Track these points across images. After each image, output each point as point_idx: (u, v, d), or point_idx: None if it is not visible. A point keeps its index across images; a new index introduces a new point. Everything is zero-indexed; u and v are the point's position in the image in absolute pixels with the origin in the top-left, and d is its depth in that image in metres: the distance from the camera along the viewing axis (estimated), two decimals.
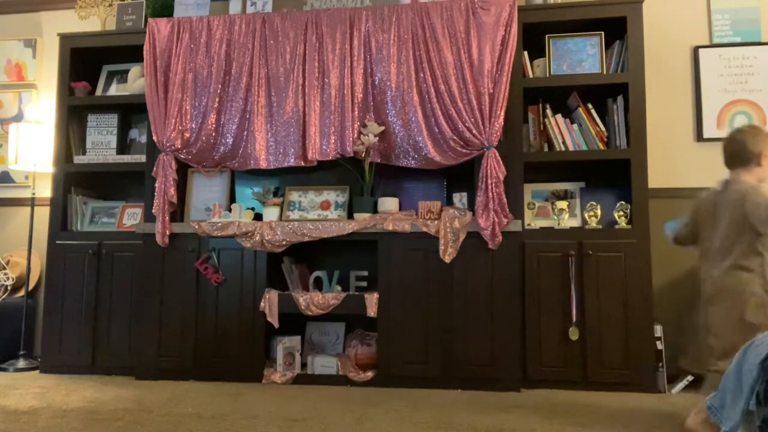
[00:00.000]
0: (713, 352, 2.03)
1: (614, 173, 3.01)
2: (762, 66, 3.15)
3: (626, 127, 2.88)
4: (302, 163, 3.01)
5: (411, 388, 2.75)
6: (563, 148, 2.95)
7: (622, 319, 2.74)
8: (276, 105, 3.03)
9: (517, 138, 2.89)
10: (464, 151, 2.85)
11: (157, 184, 3.02)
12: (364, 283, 3.07)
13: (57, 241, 3.19)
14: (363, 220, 2.86)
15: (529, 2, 3.12)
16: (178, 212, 3.12)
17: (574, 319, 2.75)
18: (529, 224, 2.96)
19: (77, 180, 3.36)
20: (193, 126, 3.06)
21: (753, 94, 3.15)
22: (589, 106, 2.97)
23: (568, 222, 3.03)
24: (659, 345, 2.75)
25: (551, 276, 2.81)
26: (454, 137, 2.85)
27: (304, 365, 2.94)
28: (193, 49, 3.08)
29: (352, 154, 2.96)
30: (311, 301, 2.86)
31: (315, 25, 3.01)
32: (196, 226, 2.95)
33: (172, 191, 3.01)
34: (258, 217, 3.15)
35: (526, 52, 3.00)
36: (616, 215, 2.86)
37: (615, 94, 2.94)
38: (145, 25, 3.27)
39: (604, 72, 2.94)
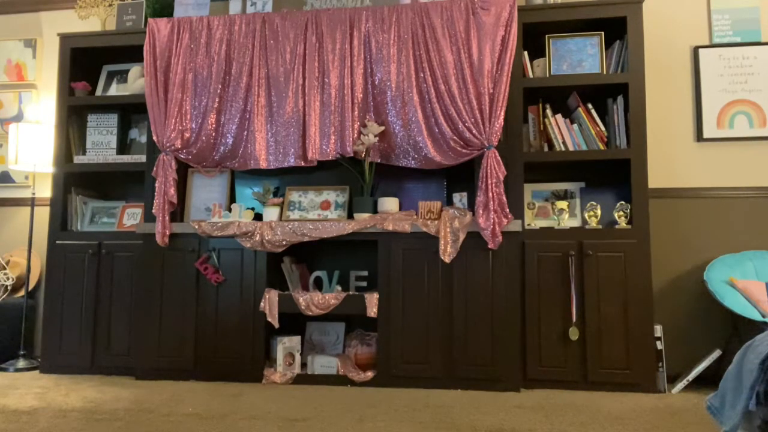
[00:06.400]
0: None
1: (614, 173, 3.02)
2: (762, 66, 3.15)
3: (626, 127, 2.88)
4: (302, 163, 3.01)
5: (411, 388, 2.75)
6: (563, 148, 2.95)
7: (622, 318, 2.74)
8: (276, 105, 3.03)
9: (517, 138, 2.89)
10: (464, 151, 2.85)
11: (157, 184, 3.02)
12: (364, 283, 3.07)
13: (57, 241, 3.19)
14: (363, 220, 2.86)
15: (529, 2, 3.12)
16: (178, 212, 3.12)
17: (574, 319, 2.75)
18: (529, 224, 2.97)
19: (77, 180, 3.36)
20: (193, 126, 3.06)
21: (753, 94, 3.15)
22: (589, 106, 2.97)
23: (568, 222, 3.03)
24: (659, 345, 2.75)
25: (551, 276, 2.81)
26: (454, 137, 2.85)
27: (304, 365, 2.95)
28: (193, 49, 3.08)
29: (352, 154, 2.96)
30: (311, 301, 2.86)
31: (315, 25, 3.02)
32: (196, 226, 2.95)
33: (172, 191, 3.01)
34: (258, 217, 3.16)
35: (526, 52, 3.00)
36: (616, 215, 2.86)
37: (615, 94, 2.94)
38: (145, 25, 3.28)
39: (604, 72, 2.94)
